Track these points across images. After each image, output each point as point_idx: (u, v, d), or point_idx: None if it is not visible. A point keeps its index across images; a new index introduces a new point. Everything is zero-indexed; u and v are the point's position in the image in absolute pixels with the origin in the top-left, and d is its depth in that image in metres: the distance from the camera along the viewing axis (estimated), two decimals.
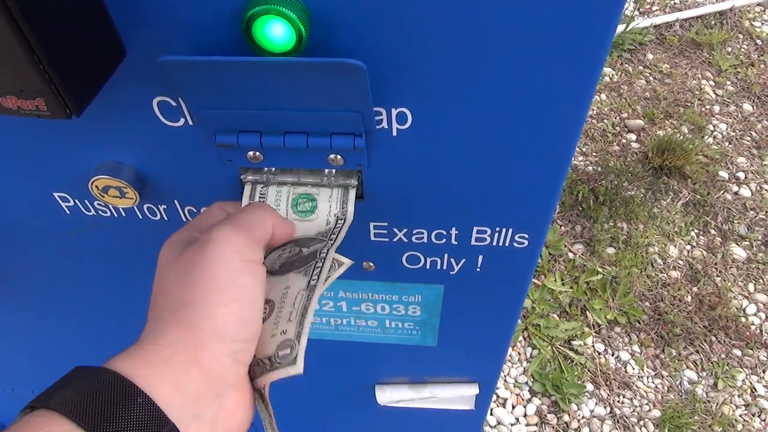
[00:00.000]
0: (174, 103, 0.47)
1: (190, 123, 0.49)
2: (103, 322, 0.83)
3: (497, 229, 0.56)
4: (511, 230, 0.56)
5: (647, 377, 1.87)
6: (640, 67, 2.65)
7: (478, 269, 0.62)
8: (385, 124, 0.47)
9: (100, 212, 0.59)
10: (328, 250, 0.47)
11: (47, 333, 0.86)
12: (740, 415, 1.78)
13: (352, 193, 0.51)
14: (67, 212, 0.60)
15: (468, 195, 0.53)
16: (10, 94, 0.38)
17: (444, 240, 0.58)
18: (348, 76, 0.40)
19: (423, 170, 0.51)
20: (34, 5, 0.34)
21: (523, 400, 1.83)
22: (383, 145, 0.49)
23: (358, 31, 0.40)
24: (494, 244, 0.58)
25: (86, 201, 0.58)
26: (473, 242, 0.58)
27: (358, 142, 0.47)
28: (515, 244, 0.58)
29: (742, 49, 2.70)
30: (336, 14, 0.39)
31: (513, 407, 1.81)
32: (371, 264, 0.63)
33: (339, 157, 0.49)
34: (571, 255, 2.09)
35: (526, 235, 0.57)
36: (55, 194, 0.58)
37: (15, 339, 0.90)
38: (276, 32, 0.39)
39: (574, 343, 1.93)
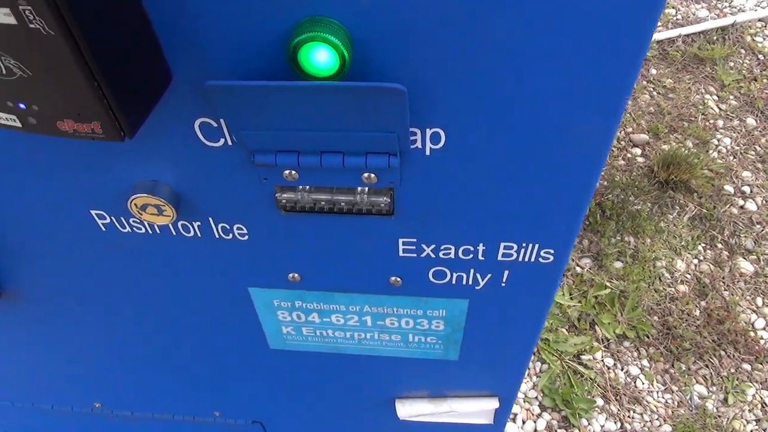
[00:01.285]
0: (215, 124, 0.49)
1: (230, 143, 0.50)
2: (125, 338, 0.84)
3: (524, 244, 0.57)
4: (537, 246, 0.57)
5: (657, 392, 1.87)
6: (644, 82, 2.68)
7: (503, 284, 0.63)
8: (419, 144, 0.48)
9: (135, 229, 0.61)
10: None
11: (74, 349, 0.87)
12: (751, 431, 1.77)
13: None
14: (103, 229, 0.61)
15: (496, 212, 0.54)
16: (68, 118, 0.39)
17: (471, 255, 0.60)
18: (389, 99, 0.41)
19: (454, 188, 0.52)
20: (96, 34, 0.35)
21: (533, 415, 1.83)
22: (416, 163, 0.50)
23: (397, 55, 0.42)
24: (520, 259, 0.59)
25: (122, 218, 0.60)
26: (500, 257, 0.59)
27: (393, 161, 0.48)
28: (541, 260, 0.59)
29: (745, 64, 2.73)
30: (375, 40, 0.41)
31: (523, 422, 1.81)
32: (398, 279, 0.64)
33: (373, 175, 0.50)
34: (579, 269, 2.10)
35: (552, 251, 0.58)
36: (92, 212, 0.59)
37: (39, 355, 0.91)
38: (320, 58, 0.41)
39: (583, 357, 1.93)
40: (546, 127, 0.46)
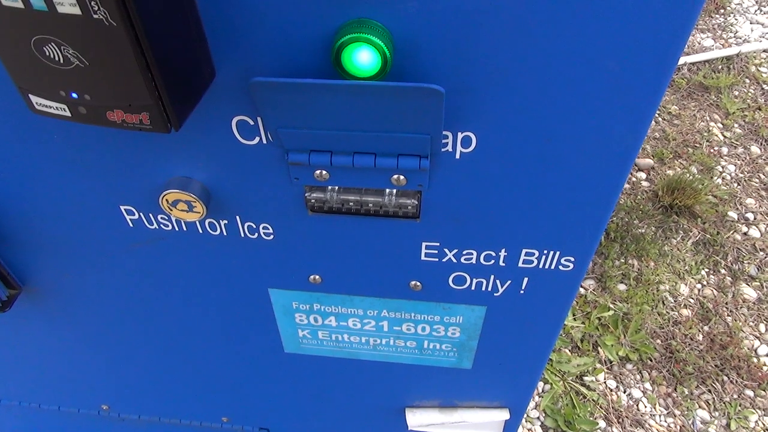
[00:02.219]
0: (252, 123, 0.50)
1: (264, 142, 0.52)
2: (139, 339, 0.85)
3: (545, 251, 0.59)
4: (558, 253, 0.58)
5: (659, 416, 1.86)
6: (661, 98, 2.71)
7: (521, 291, 0.64)
8: (449, 147, 0.50)
9: (162, 226, 0.62)
10: None
11: (86, 348, 0.87)
12: None
13: None
14: (130, 225, 0.63)
15: (520, 217, 0.55)
16: (118, 108, 0.41)
17: (492, 261, 0.61)
18: (427, 100, 0.43)
19: (481, 192, 0.53)
20: (155, 28, 0.37)
21: None
22: (445, 167, 0.52)
23: (435, 58, 0.44)
24: (541, 266, 0.60)
25: (150, 214, 0.61)
26: (521, 264, 0.60)
27: (423, 163, 0.50)
28: (561, 267, 0.60)
29: (749, 94, 2.77)
30: (416, 42, 0.43)
31: None
32: (418, 283, 0.65)
33: (402, 177, 0.52)
34: (582, 290, 2.11)
35: (572, 259, 0.59)
36: (122, 207, 0.61)
37: (49, 355, 0.92)
38: (363, 58, 0.42)
39: (586, 378, 1.92)
40: (575, 135, 0.48)
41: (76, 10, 0.35)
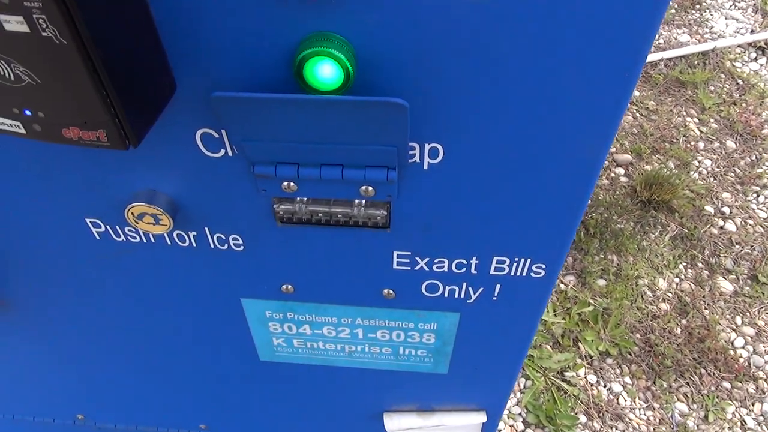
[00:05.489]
0: (216, 135, 0.49)
1: (230, 154, 0.51)
2: (112, 348, 0.84)
3: (516, 259, 0.59)
4: (529, 260, 0.59)
5: (639, 409, 1.89)
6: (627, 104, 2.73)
7: (494, 298, 0.64)
8: (417, 158, 0.49)
9: (129, 238, 0.61)
10: None
11: (59, 359, 0.86)
12: None
13: None
14: (97, 237, 0.61)
15: (490, 226, 0.55)
16: (74, 125, 0.40)
17: (464, 269, 0.60)
18: (391, 114, 0.42)
19: (449, 202, 0.53)
20: (107, 44, 0.36)
21: (516, 431, 1.83)
22: (414, 177, 0.51)
23: (399, 71, 0.43)
24: (512, 273, 0.60)
25: (117, 227, 0.60)
26: (492, 271, 0.60)
27: (391, 174, 0.49)
28: (532, 274, 0.60)
29: (725, 89, 2.80)
30: (379, 55, 0.42)
31: None
32: (391, 292, 0.65)
33: (371, 188, 0.51)
34: (563, 286, 2.12)
35: (543, 266, 0.59)
36: (87, 220, 0.59)
37: (22, 365, 0.90)
38: (325, 72, 0.42)
39: (567, 374, 1.94)
40: (541, 145, 0.48)
41: (24, 28, 0.34)
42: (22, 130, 0.41)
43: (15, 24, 0.34)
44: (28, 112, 0.40)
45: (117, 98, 0.38)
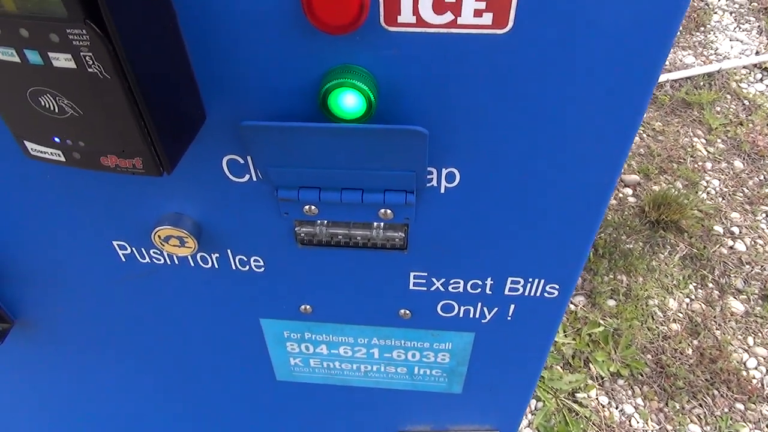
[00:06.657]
0: (242, 161, 0.52)
1: (254, 179, 0.53)
2: (129, 369, 0.85)
3: (530, 279, 0.60)
4: (543, 281, 0.60)
5: (652, 431, 1.87)
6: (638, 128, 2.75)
7: (509, 318, 0.65)
8: (434, 182, 0.51)
9: (154, 260, 0.63)
10: None
11: (80, 378, 0.88)
12: None
13: None
14: (123, 259, 0.63)
15: (505, 248, 0.57)
16: (112, 154, 0.42)
17: (479, 289, 0.62)
18: (411, 140, 0.44)
19: (466, 224, 0.55)
20: (147, 78, 0.38)
21: None
22: (431, 201, 0.53)
23: (418, 99, 0.45)
24: (526, 294, 0.62)
25: (143, 249, 0.62)
26: (506, 292, 0.62)
27: (409, 198, 0.51)
28: (546, 294, 0.62)
29: (731, 109, 2.82)
30: (399, 85, 0.45)
31: None
32: (407, 312, 0.66)
33: (389, 211, 0.53)
34: (573, 306, 2.12)
35: (557, 286, 0.60)
36: (114, 242, 0.62)
37: (44, 385, 0.92)
38: (348, 102, 0.44)
39: (578, 395, 1.93)
40: (554, 169, 0.49)
41: (71, 65, 0.36)
42: (62, 158, 0.44)
43: (63, 61, 0.36)
44: (69, 142, 0.42)
45: (154, 128, 0.40)
